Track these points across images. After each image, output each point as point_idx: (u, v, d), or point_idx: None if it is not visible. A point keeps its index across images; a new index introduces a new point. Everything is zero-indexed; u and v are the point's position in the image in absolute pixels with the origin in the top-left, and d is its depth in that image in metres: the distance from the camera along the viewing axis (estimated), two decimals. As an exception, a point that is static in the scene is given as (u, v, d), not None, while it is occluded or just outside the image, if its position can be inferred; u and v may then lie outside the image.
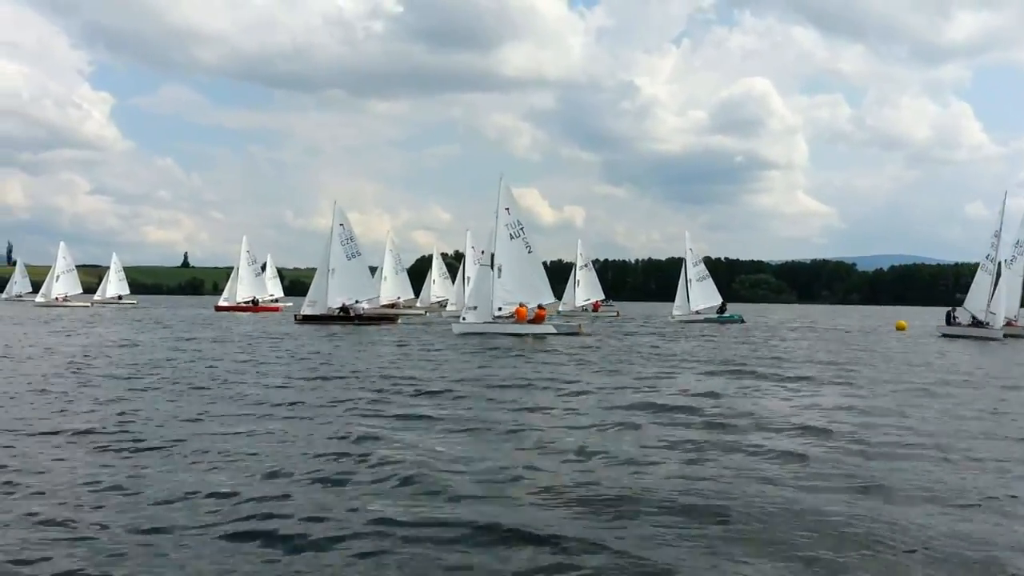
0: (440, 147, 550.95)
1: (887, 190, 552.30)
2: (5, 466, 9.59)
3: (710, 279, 58.85)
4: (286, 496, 8.38)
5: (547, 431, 12.46)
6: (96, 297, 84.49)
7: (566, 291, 72.29)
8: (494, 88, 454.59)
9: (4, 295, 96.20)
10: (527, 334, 37.51)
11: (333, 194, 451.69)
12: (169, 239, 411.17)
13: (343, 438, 11.50)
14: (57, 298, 74.92)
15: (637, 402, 15.51)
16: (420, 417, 13.44)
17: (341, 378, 19.06)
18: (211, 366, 21.78)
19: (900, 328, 53.27)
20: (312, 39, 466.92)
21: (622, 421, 13.22)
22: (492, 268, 39.61)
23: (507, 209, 40.08)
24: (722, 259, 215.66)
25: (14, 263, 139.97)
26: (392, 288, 70.11)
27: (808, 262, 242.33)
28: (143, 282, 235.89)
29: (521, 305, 39.16)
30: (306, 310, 46.95)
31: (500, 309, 39.21)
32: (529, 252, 40.33)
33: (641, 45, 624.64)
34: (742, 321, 57.76)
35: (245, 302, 70.24)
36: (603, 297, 72.88)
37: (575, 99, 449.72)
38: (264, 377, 19.25)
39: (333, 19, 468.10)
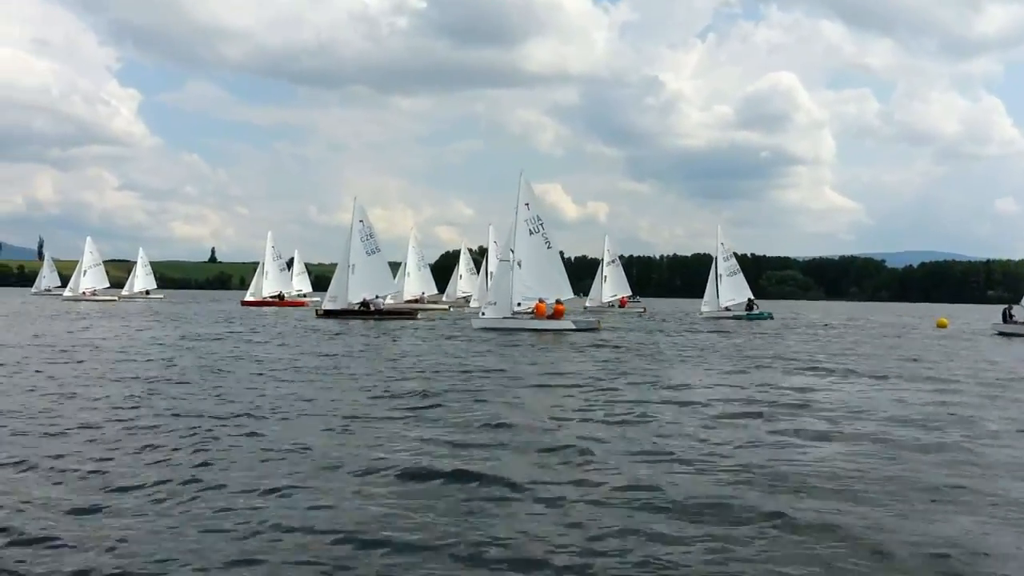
0: (463, 142, 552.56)
1: (916, 186, 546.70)
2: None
3: (741, 274, 58.52)
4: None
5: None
6: (124, 292, 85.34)
7: (593, 287, 72.84)
8: (518, 84, 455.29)
9: (33, 289, 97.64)
10: (546, 330, 37.48)
11: (356, 190, 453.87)
12: (195, 234, 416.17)
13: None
14: (84, 292, 75.82)
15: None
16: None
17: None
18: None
19: (941, 326, 52.22)
20: (336, 35, 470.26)
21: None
22: (511, 263, 39.57)
23: (527, 204, 40.00)
24: (748, 255, 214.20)
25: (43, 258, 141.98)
26: (416, 284, 70.44)
27: (836, 259, 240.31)
28: (172, 277, 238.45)
29: (540, 301, 39.08)
30: (327, 305, 47.31)
31: (519, 304, 39.15)
32: (548, 247, 40.27)
33: (666, 40, 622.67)
34: (770, 318, 57.23)
35: (272, 297, 70.83)
36: (630, 293, 72.96)
37: (599, 94, 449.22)
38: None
39: (358, 15, 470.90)
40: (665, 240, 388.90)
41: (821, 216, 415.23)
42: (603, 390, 16.85)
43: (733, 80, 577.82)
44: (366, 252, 46.58)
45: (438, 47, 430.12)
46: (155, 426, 11.95)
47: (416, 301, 66.98)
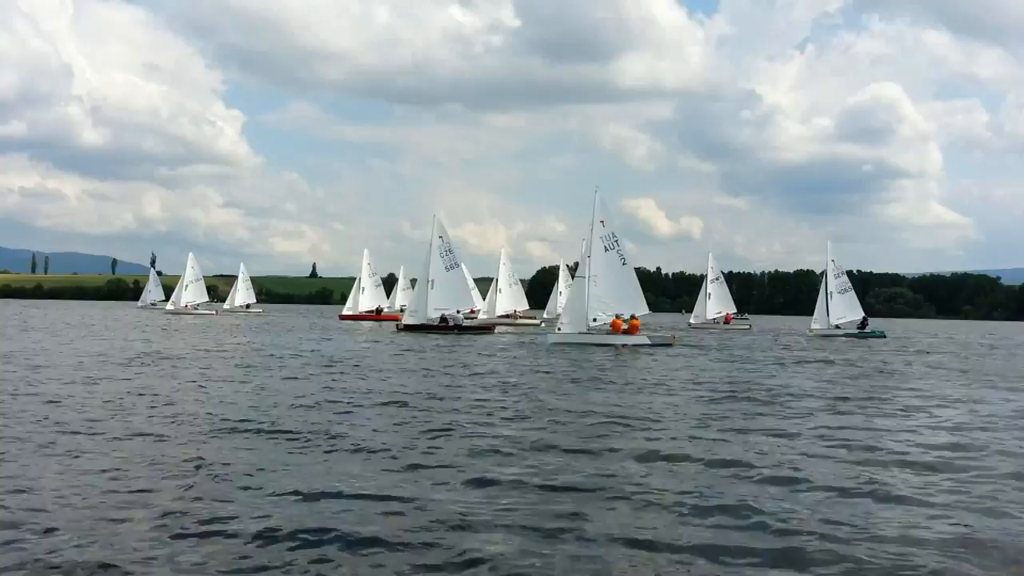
0: (556, 158, 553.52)
1: None
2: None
3: (852, 292, 57.29)
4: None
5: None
6: (225, 306, 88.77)
7: (697, 304, 72.99)
8: (611, 99, 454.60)
9: (139, 303, 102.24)
10: (621, 344, 37.38)
11: (449, 205, 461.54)
12: (294, 249, 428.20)
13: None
14: (186, 306, 79.10)
15: None
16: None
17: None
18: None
19: None
20: (431, 54, 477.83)
21: None
22: (587, 280, 39.63)
23: (602, 221, 40.12)
24: (854, 271, 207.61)
25: (159, 273, 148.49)
26: (508, 300, 71.04)
27: (948, 275, 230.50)
28: (277, 292, 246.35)
29: (616, 316, 39.03)
30: (407, 320, 48.07)
31: (595, 320, 39.18)
32: (623, 264, 40.30)
33: (763, 52, 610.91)
34: (883, 336, 55.62)
35: (369, 311, 72.82)
36: (734, 310, 72.54)
37: (694, 109, 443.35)
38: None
39: (452, 34, 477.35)
40: (762, 256, 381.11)
41: (928, 231, 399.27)
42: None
43: (833, 92, 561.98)
44: (445, 267, 47.19)
45: (532, 64, 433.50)
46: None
47: (508, 317, 67.66)
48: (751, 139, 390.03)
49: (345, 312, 74.85)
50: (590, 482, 9.59)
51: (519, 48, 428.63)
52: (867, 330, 55.86)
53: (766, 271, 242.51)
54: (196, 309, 78.42)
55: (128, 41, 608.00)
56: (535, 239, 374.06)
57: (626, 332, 38.79)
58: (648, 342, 38.70)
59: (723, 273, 74.23)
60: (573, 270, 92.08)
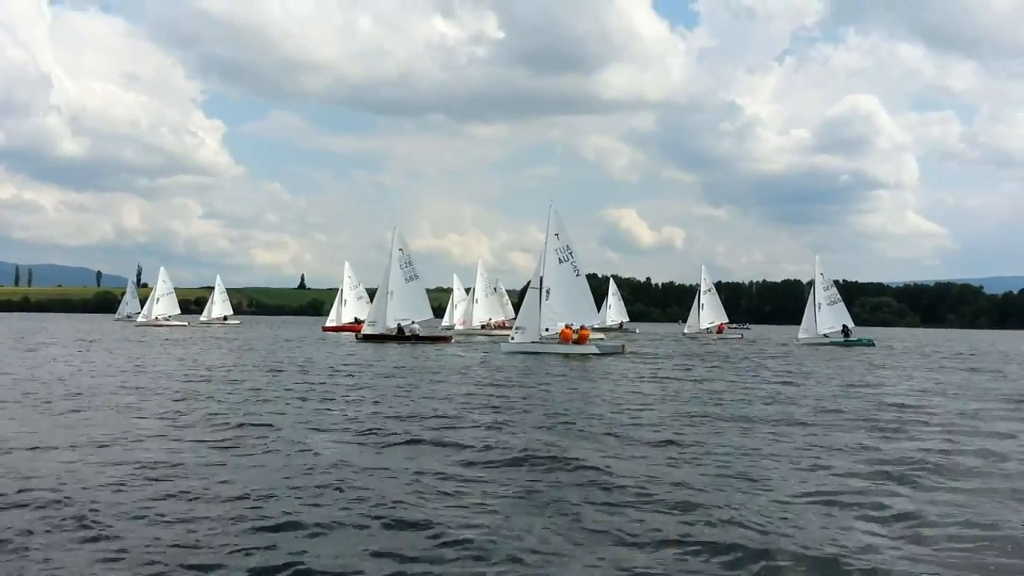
0: (539, 169, 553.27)
1: (1002, 210, 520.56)
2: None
3: (841, 303, 58.71)
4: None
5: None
6: (202, 318, 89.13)
7: (690, 314, 74.91)
8: (594, 110, 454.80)
9: (116, 315, 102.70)
10: (571, 354, 37.95)
11: (432, 216, 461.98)
12: (276, 260, 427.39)
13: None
14: (157, 318, 79.38)
15: None
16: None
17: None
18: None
19: None
20: (415, 65, 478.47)
21: None
22: (540, 291, 40.31)
23: (556, 234, 40.96)
24: (839, 281, 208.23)
25: (144, 285, 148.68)
26: (484, 310, 71.45)
27: (931, 284, 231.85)
28: (266, 304, 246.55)
29: (567, 326, 39.67)
30: (367, 329, 48.67)
31: (547, 330, 39.89)
32: (577, 275, 41.03)
33: (743, 64, 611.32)
34: (871, 344, 56.75)
35: (350, 323, 72.91)
36: (727, 320, 74.46)
37: (675, 120, 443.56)
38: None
39: (436, 46, 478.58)
40: (743, 266, 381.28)
41: (904, 241, 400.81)
42: None
43: (812, 104, 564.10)
44: (405, 279, 47.85)
45: (515, 76, 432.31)
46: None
47: (484, 327, 68.22)
48: (731, 150, 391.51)
49: (328, 324, 75.21)
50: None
51: (503, 59, 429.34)
52: (853, 338, 57.09)
53: (754, 281, 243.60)
54: (167, 321, 78.71)
55: (107, 51, 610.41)
56: (518, 249, 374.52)
57: (576, 342, 39.47)
58: (597, 351, 39.33)
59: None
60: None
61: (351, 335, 63.17)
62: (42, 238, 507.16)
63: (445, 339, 50.05)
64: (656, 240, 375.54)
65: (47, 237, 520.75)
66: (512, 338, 40.93)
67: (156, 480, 9.97)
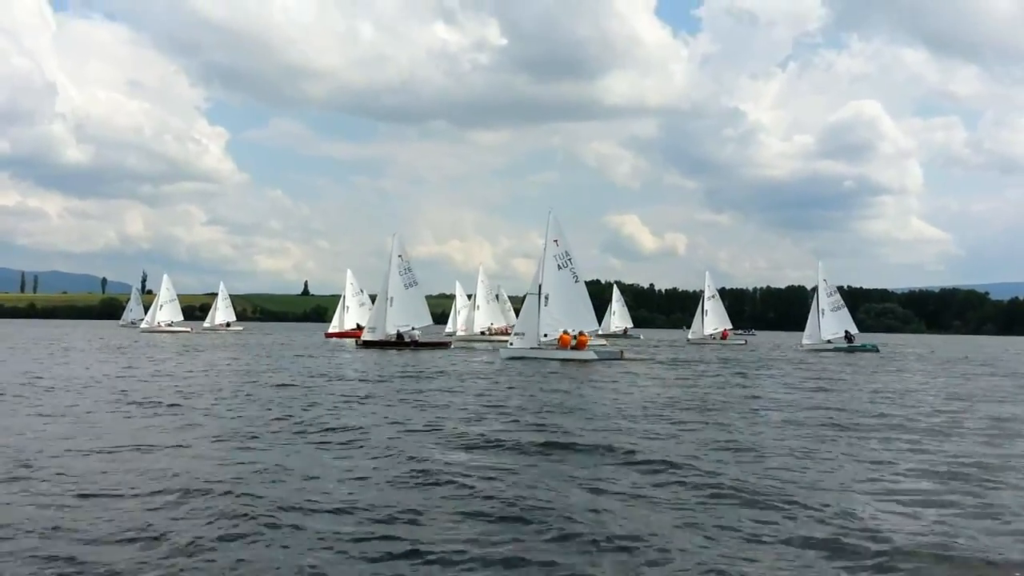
0: (540, 175, 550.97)
1: (1007, 215, 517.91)
2: None
3: (845, 309, 58.95)
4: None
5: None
6: (205, 324, 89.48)
7: (694, 320, 75.15)
8: (596, 116, 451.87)
9: (121, 322, 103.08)
10: (570, 359, 38.06)
11: (434, 222, 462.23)
12: (278, 267, 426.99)
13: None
14: (160, 324, 79.72)
15: None
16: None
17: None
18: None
19: None
20: (417, 72, 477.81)
21: None
22: (539, 297, 40.41)
23: (555, 241, 41.06)
24: (844, 287, 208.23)
25: (148, 292, 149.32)
26: (485, 316, 71.65)
27: (936, 290, 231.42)
28: (271, 310, 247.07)
29: (564, 332, 39.79)
30: (367, 336, 48.80)
31: (546, 336, 40.01)
32: (576, 282, 41.14)
33: (746, 70, 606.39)
34: (876, 350, 56.83)
35: (352, 329, 73.12)
36: (730, 326, 74.76)
37: (678, 126, 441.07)
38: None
39: (438, 52, 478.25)
40: (746, 272, 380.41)
41: (908, 247, 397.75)
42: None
43: (815, 109, 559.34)
44: (404, 285, 48.04)
45: (517, 82, 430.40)
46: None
47: (484, 332, 68.40)
48: (734, 156, 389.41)
49: (331, 330, 75.47)
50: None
51: (505, 66, 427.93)
52: (857, 344, 57.23)
53: (758, 287, 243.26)
54: (170, 327, 79.04)
55: (111, 59, 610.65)
56: (520, 255, 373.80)
57: (574, 348, 39.57)
58: (596, 357, 39.40)
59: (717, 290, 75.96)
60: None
61: (351, 341, 63.63)
62: (46, 245, 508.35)
63: (444, 345, 50.15)
64: (658, 246, 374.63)
65: (51, 244, 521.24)
66: (511, 343, 41.07)
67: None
